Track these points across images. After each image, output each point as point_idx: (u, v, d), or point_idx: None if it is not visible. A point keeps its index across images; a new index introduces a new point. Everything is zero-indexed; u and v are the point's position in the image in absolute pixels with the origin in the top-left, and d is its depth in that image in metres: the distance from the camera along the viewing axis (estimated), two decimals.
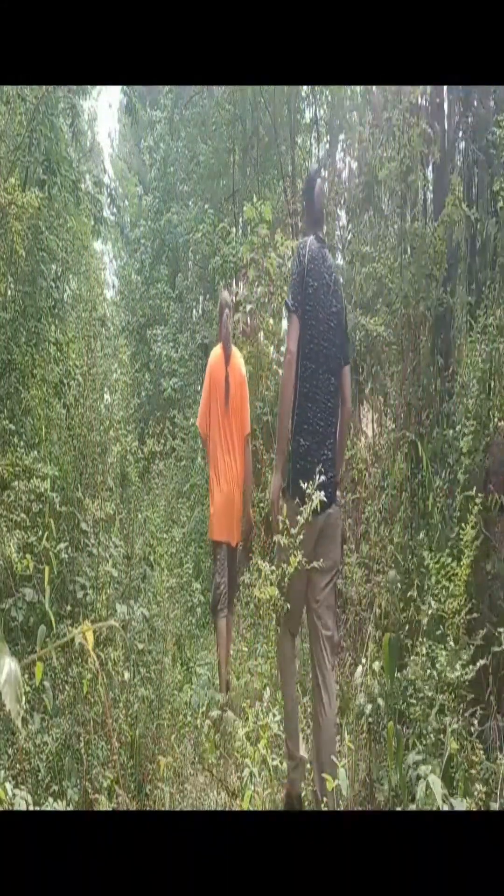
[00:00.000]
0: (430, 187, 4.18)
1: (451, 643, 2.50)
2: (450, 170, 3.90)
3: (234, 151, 7.77)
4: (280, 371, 2.89)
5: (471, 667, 2.40)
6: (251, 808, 2.44)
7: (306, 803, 2.63)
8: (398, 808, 2.46)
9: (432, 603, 2.61)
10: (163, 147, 8.59)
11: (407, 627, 2.90)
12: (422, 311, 3.50)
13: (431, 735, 2.41)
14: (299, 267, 2.68)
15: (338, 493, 2.76)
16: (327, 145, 7.56)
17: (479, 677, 2.48)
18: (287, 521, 2.49)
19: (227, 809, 2.69)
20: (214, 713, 3.21)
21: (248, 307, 5.44)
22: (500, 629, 2.47)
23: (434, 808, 2.12)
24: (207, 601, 4.35)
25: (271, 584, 2.48)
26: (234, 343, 3.93)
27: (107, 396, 3.62)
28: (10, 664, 1.16)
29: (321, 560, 2.55)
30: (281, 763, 2.75)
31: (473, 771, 2.28)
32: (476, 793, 2.17)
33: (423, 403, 3.48)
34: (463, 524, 2.65)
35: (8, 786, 1.90)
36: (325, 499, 2.46)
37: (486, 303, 3.35)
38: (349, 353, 2.83)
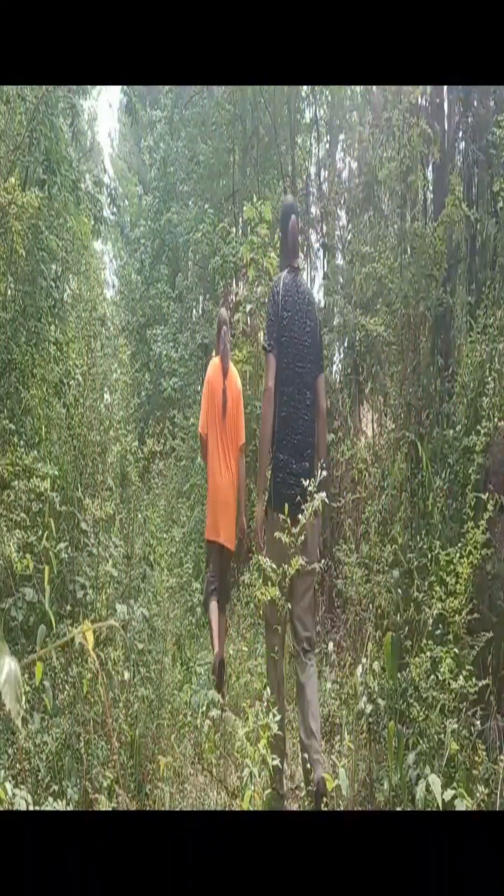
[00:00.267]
0: (430, 187, 4.18)
1: (452, 644, 2.50)
2: (450, 170, 3.90)
3: (234, 151, 7.75)
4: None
5: (473, 680, 2.40)
6: (251, 808, 2.44)
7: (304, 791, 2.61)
8: (398, 808, 2.45)
9: (434, 602, 2.61)
10: (163, 147, 8.59)
11: (407, 628, 2.90)
12: (422, 311, 3.51)
13: (434, 736, 2.41)
14: (274, 307, 2.82)
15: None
16: (327, 145, 7.53)
17: (479, 677, 2.48)
18: (277, 535, 2.51)
19: (226, 809, 2.69)
20: (214, 713, 3.20)
21: (248, 307, 5.43)
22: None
23: (434, 809, 2.12)
24: None
25: (272, 585, 2.49)
26: (233, 343, 3.96)
27: (107, 396, 3.62)
28: (10, 664, 1.15)
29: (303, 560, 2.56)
30: (281, 763, 2.75)
31: (475, 771, 2.28)
32: (478, 794, 2.17)
33: (423, 403, 3.48)
34: (471, 524, 2.65)
35: (8, 785, 1.90)
36: (325, 500, 2.49)
37: (486, 303, 3.35)
38: (323, 364, 2.94)
